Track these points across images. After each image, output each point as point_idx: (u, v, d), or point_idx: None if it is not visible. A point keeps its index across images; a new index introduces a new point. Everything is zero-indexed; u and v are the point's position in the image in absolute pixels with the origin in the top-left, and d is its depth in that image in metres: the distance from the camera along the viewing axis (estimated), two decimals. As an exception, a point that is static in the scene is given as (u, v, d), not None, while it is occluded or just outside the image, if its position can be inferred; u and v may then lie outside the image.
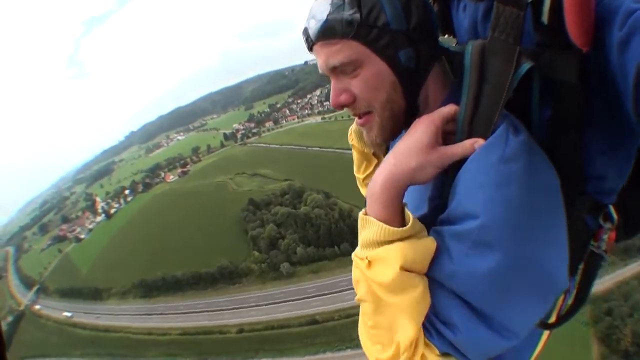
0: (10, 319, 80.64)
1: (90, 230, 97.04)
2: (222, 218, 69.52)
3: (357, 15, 0.63)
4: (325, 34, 0.66)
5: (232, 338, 45.93)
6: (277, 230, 53.38)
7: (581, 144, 0.61)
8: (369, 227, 0.61)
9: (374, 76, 0.68)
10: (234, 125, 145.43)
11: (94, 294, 68.54)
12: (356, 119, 0.76)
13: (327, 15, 0.65)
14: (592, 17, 0.53)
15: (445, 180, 0.65)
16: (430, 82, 0.72)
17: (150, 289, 60.66)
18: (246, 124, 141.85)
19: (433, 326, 0.60)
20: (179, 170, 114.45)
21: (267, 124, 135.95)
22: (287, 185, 72.87)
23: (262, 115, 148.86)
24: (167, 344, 49.25)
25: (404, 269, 0.56)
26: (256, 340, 42.30)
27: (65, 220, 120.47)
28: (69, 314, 65.95)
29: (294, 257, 48.68)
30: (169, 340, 49.86)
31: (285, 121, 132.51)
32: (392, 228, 0.58)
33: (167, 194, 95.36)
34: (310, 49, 0.72)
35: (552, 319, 0.82)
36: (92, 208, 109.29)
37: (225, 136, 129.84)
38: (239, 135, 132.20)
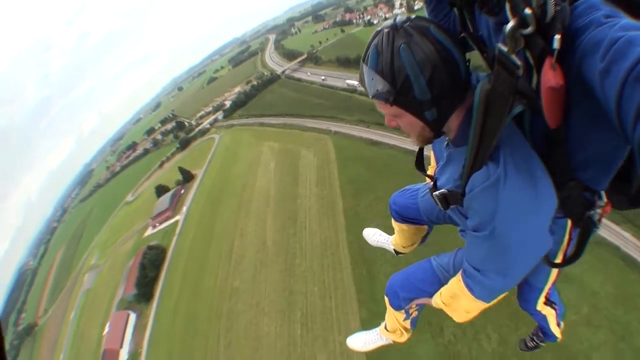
0: (255, 83, 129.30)
1: (386, 18, 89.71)
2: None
3: (393, 91, 1.17)
4: (374, 98, 1.26)
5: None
6: None
7: (567, 150, 1.14)
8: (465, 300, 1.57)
9: (408, 123, 1.31)
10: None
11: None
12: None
13: (374, 91, 1.22)
14: (562, 106, 0.94)
15: (463, 173, 1.31)
16: (453, 116, 1.28)
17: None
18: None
19: (472, 274, 1.47)
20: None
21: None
22: None
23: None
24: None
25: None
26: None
27: (349, 10, 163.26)
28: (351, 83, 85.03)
29: None
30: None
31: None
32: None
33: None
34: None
35: (559, 260, 1.58)
36: (389, 2, 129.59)
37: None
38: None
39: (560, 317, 2.44)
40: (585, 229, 1.41)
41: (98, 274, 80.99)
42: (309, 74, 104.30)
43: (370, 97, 1.25)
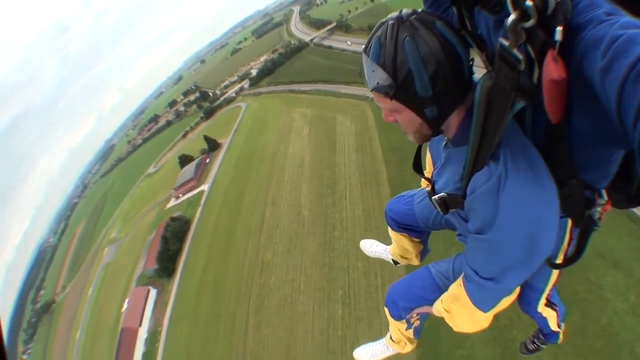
0: (281, 50, 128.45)
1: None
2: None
3: (394, 84, 1.16)
4: (374, 91, 1.24)
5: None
6: None
7: (569, 148, 1.14)
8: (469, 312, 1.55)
9: (407, 119, 1.29)
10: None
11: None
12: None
13: (374, 84, 1.20)
14: (564, 99, 0.94)
15: (463, 174, 1.31)
16: (453, 114, 1.28)
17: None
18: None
19: (475, 280, 1.44)
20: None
21: None
22: None
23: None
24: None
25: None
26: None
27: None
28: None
29: None
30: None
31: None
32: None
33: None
34: None
35: (559, 260, 1.60)
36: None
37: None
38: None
39: (561, 318, 2.52)
40: (586, 228, 1.43)
41: (118, 247, 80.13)
42: (349, 43, 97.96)
43: (370, 89, 1.25)
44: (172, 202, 78.60)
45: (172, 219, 66.32)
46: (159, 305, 54.20)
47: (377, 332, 28.88)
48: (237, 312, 42.06)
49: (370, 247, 3.31)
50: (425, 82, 1.15)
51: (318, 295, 37.15)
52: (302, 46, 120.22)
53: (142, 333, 51.89)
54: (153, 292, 57.30)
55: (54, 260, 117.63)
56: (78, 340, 64.42)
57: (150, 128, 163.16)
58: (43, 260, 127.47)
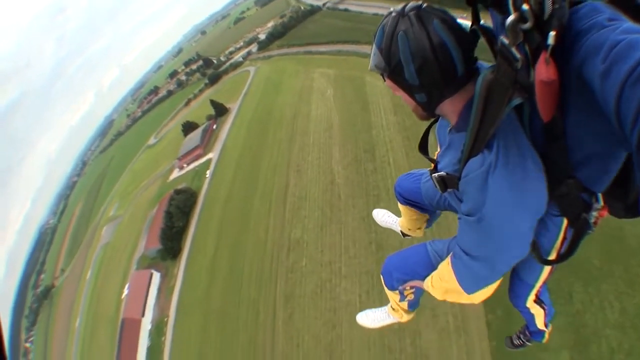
0: (291, 14, 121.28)
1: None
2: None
3: (387, 69, 1.35)
4: (371, 70, 1.45)
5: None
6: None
7: (566, 146, 1.20)
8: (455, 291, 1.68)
9: (403, 97, 1.46)
10: None
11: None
12: None
13: (372, 64, 1.41)
14: (554, 100, 1.01)
15: (461, 157, 1.40)
16: (446, 103, 1.40)
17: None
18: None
19: (461, 258, 1.56)
20: None
21: None
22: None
23: None
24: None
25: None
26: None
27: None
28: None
29: None
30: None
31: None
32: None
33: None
34: None
35: (552, 257, 1.66)
36: None
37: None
38: None
39: (548, 318, 2.59)
40: (580, 230, 1.50)
41: (117, 226, 73.85)
42: (391, 9, 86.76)
43: (369, 68, 1.44)
44: (176, 174, 72.23)
45: (177, 192, 59.33)
46: (164, 292, 48.08)
47: (443, 323, 21.83)
48: (261, 301, 35.45)
49: (382, 217, 3.44)
50: (412, 73, 1.29)
51: (365, 280, 30.08)
52: (314, 10, 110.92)
53: (146, 324, 45.86)
54: (156, 276, 51.20)
55: (53, 242, 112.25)
56: (77, 329, 58.33)
57: (150, 100, 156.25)
58: (44, 243, 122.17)
